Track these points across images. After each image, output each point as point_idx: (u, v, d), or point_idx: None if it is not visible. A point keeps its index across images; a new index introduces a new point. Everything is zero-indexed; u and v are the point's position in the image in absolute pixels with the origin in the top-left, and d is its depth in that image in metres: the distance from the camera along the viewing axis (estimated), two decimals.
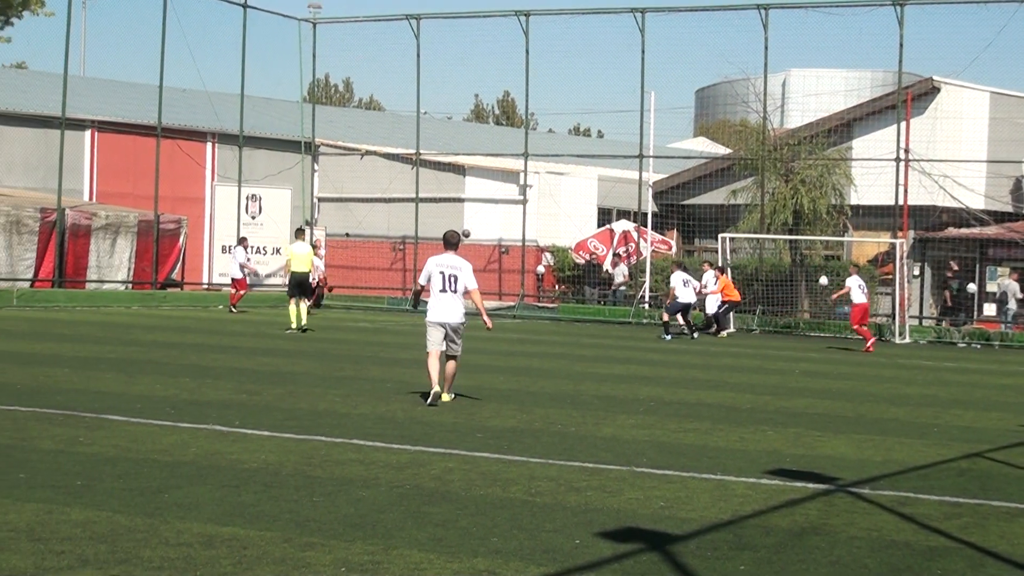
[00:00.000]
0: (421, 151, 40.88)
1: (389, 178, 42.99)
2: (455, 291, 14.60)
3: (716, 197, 40.42)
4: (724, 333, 31.57)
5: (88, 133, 39.17)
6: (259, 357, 19.86)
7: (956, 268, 36.54)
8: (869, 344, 27.60)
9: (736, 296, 32.35)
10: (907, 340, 31.78)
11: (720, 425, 13.43)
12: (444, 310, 14.57)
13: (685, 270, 30.54)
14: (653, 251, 38.49)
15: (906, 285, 33.98)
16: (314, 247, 36.66)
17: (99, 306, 33.57)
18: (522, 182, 40.52)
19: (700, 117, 73.80)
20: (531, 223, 39.99)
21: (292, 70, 63.46)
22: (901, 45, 34.31)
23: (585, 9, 50.59)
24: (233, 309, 34.00)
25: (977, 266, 37.14)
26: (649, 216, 38.61)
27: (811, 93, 52.51)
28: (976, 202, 37.44)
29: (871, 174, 36.40)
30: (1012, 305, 33.92)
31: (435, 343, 14.57)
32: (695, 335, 30.13)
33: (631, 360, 22.32)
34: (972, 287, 35.93)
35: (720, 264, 33.43)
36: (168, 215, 38.22)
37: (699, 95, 76.22)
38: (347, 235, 42.91)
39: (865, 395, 17.46)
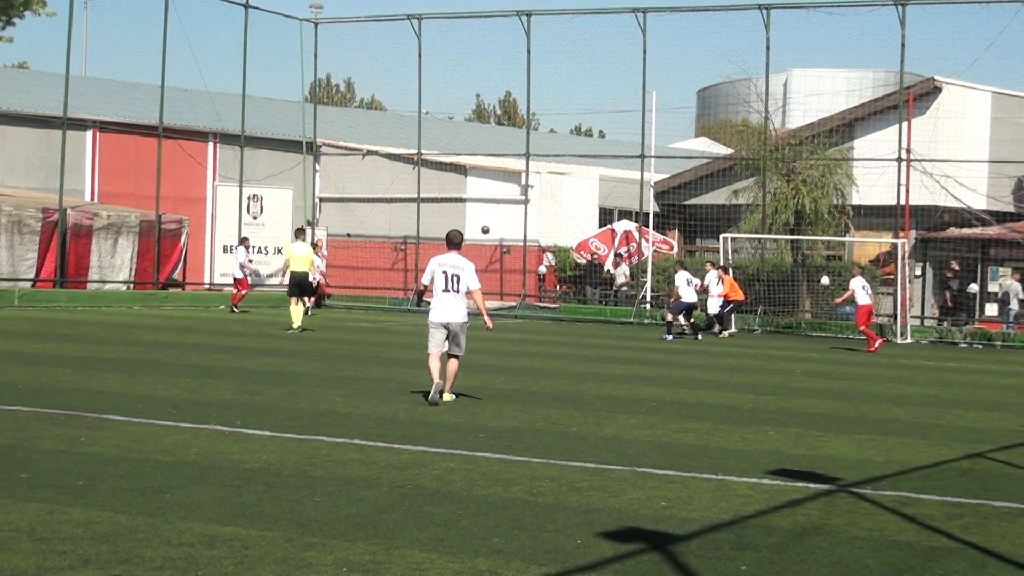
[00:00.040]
0: (423, 151, 40.88)
1: (390, 178, 42.99)
2: (457, 291, 14.61)
3: (718, 197, 40.42)
4: (726, 333, 31.57)
5: (90, 133, 39.18)
6: (261, 357, 19.86)
7: (957, 268, 36.52)
8: (876, 345, 27.50)
9: (741, 295, 32.41)
10: (909, 340, 31.76)
11: (721, 425, 13.43)
12: (446, 310, 14.58)
13: (687, 270, 30.57)
14: (654, 251, 38.48)
15: (908, 285, 33.97)
16: (315, 246, 36.76)
17: (101, 306, 33.57)
18: (524, 182, 40.51)
19: (702, 117, 73.78)
20: (533, 223, 39.99)
21: (293, 70, 63.42)
22: (903, 45, 34.30)
23: (587, 9, 50.71)
24: (235, 309, 34.01)
25: (979, 266, 37.12)
26: (651, 216, 38.60)
27: (813, 93, 52.50)
28: (978, 202, 37.42)
29: (873, 174, 36.39)
30: (1014, 305, 33.90)
31: (436, 344, 14.58)
32: (699, 336, 30.13)
33: (632, 360, 22.32)
34: (974, 287, 35.90)
35: (722, 264, 33.41)
36: (170, 215, 38.24)
37: (701, 95, 76.21)
38: (348, 235, 42.91)
39: (867, 395, 17.45)
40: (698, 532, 8.03)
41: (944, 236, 37.48)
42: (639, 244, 38.46)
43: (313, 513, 8.16)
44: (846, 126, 38.96)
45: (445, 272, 14.64)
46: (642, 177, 38.04)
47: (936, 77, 37.77)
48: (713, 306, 31.58)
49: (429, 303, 14.92)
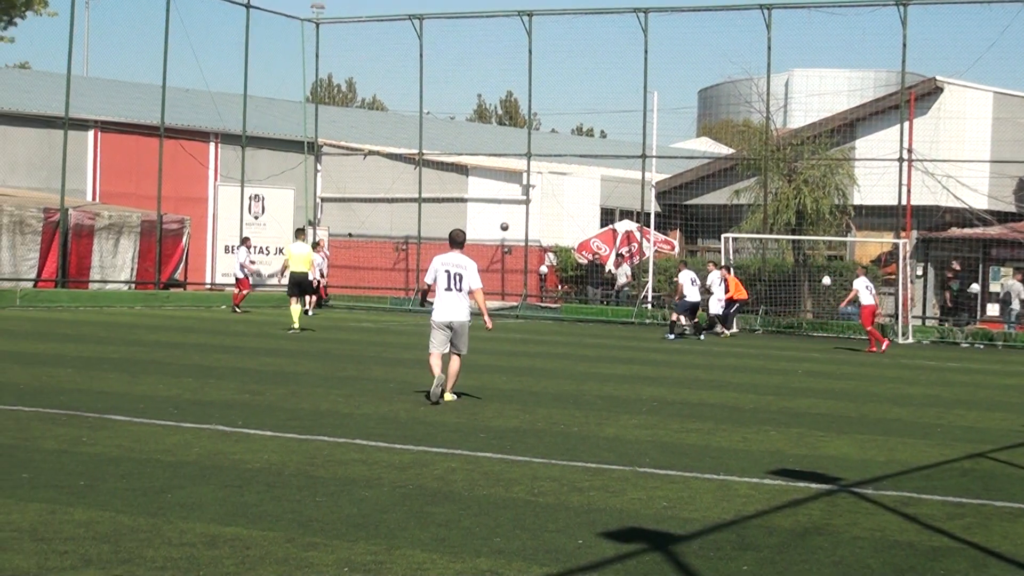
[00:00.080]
0: (424, 151, 40.88)
1: (392, 178, 43.00)
2: (460, 290, 14.64)
3: (719, 197, 40.42)
4: (728, 332, 31.59)
5: (91, 133, 39.19)
6: (262, 357, 19.86)
7: (958, 268, 36.49)
8: (883, 347, 27.40)
9: (744, 295, 32.47)
10: (910, 340, 31.75)
11: (723, 425, 13.42)
12: (449, 309, 14.61)
13: (691, 270, 30.62)
14: (656, 251, 38.47)
15: (909, 285, 33.95)
16: (317, 245, 36.78)
17: (102, 306, 33.58)
18: (525, 182, 40.51)
19: (703, 117, 73.75)
20: (534, 223, 40.00)
21: (295, 70, 63.57)
22: (904, 45, 34.29)
23: (588, 9, 50.66)
24: (237, 309, 34.02)
25: (980, 266, 37.10)
26: (652, 216, 38.60)
27: (814, 93, 52.48)
28: (979, 202, 37.41)
29: (874, 174, 36.38)
30: (1015, 305, 33.88)
31: (438, 344, 14.59)
32: (702, 336, 30.16)
33: (634, 360, 22.32)
34: (975, 287, 35.88)
35: (725, 264, 33.41)
36: (171, 215, 38.25)
37: (702, 95, 76.18)
38: (350, 235, 42.92)
39: (868, 395, 17.45)
40: (699, 532, 8.03)
41: (945, 236, 37.47)
42: (640, 244, 38.45)
43: (314, 513, 8.16)
44: (847, 126, 38.95)
45: (448, 271, 14.66)
46: (643, 177, 38.03)
47: (937, 77, 37.76)
48: (715, 306, 31.57)
49: (432, 303, 14.93)
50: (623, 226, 40.16)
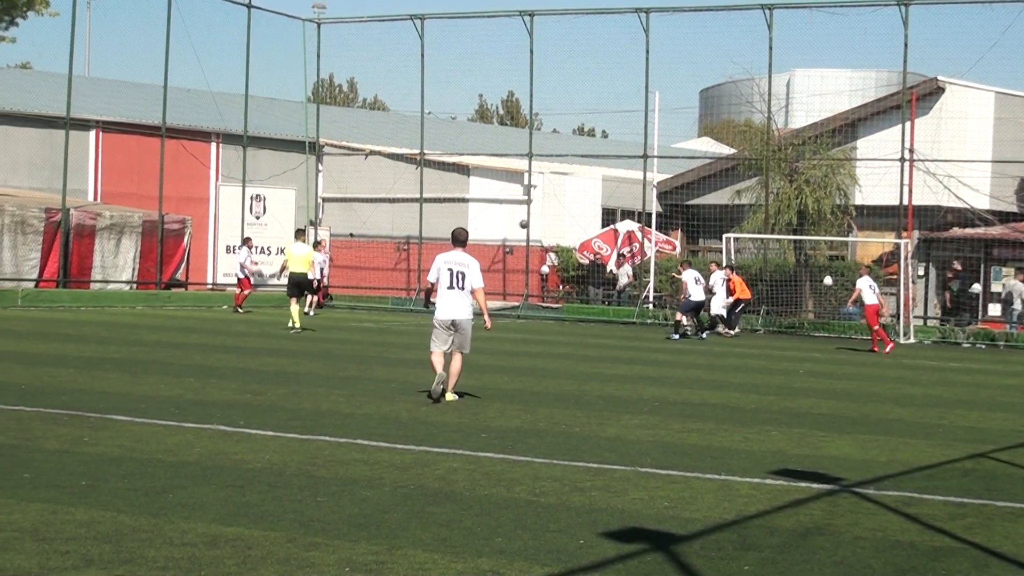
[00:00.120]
0: (425, 151, 40.88)
1: (393, 178, 43.01)
2: (463, 288, 14.65)
3: (720, 197, 40.41)
4: (732, 332, 31.63)
5: (92, 133, 39.20)
6: (263, 357, 19.87)
7: (959, 268, 36.46)
8: (888, 349, 27.31)
9: (748, 294, 32.51)
10: (912, 340, 31.74)
11: (724, 425, 13.42)
12: (452, 307, 14.63)
13: (695, 269, 30.66)
14: (657, 251, 38.46)
15: (911, 285, 33.94)
16: (318, 244, 36.80)
17: (103, 306, 33.59)
18: (526, 182, 40.51)
19: (704, 117, 73.73)
20: (535, 223, 40.01)
21: (296, 70, 63.54)
22: (906, 45, 34.27)
23: (589, 9, 50.64)
24: (239, 309, 34.02)
25: (982, 266, 37.08)
26: (653, 216, 38.59)
27: (815, 93, 52.47)
28: (981, 202, 37.40)
29: (875, 174, 36.37)
30: (1017, 305, 33.86)
31: (440, 343, 14.63)
32: (704, 335, 30.21)
33: (635, 360, 22.32)
34: (977, 287, 35.87)
35: (728, 264, 33.40)
36: (172, 215, 38.26)
37: (703, 95, 76.15)
38: (351, 235, 42.93)
39: (869, 395, 17.44)
40: (701, 532, 8.03)
41: (947, 236, 37.47)
42: (642, 244, 38.45)
43: (316, 513, 8.16)
44: (849, 126, 38.95)
45: (451, 269, 14.68)
46: (645, 177, 38.03)
47: (939, 77, 37.76)
48: (716, 306, 31.56)
49: (435, 303, 14.95)
50: (624, 226, 40.16)
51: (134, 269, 36.97)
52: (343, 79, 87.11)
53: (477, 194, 42.04)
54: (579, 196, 43.31)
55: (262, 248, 39.07)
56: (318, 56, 42.36)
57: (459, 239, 14.97)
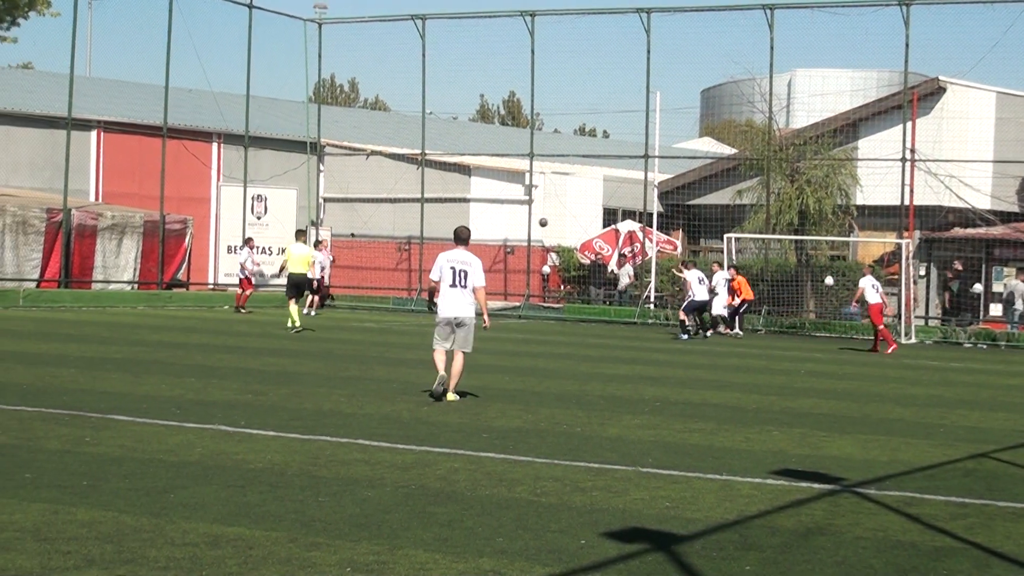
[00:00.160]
0: (426, 151, 40.89)
1: (395, 178, 43.01)
2: (465, 286, 14.68)
3: (722, 197, 40.41)
4: (740, 333, 31.69)
5: (94, 133, 39.21)
6: (264, 357, 19.87)
7: (960, 268, 36.44)
8: (888, 350, 27.25)
9: (751, 295, 32.54)
10: (913, 340, 31.73)
11: (725, 425, 13.42)
12: (454, 305, 14.66)
13: (699, 269, 30.69)
14: (658, 251, 38.46)
15: (912, 285, 33.93)
16: (319, 244, 36.81)
17: (105, 306, 33.60)
18: (527, 182, 40.51)
19: (706, 117, 73.73)
20: (536, 223, 39.99)
21: (298, 70, 63.49)
22: (907, 45, 34.27)
23: (590, 9, 50.55)
24: (241, 310, 34.01)
25: (983, 266, 37.07)
26: (654, 216, 38.59)
27: (817, 93, 52.47)
28: (982, 202, 37.39)
29: (877, 174, 36.36)
30: (1019, 305, 33.85)
31: (443, 341, 14.68)
32: (707, 335, 30.26)
33: (636, 360, 22.32)
34: (978, 287, 35.85)
35: (733, 264, 33.37)
36: (174, 215, 38.27)
37: (705, 95, 76.15)
38: (352, 235, 42.93)
39: (871, 395, 17.44)
40: (702, 532, 8.03)
41: (948, 236, 37.46)
42: (643, 244, 38.45)
43: (317, 513, 8.16)
44: (850, 126, 38.94)
45: (453, 268, 14.69)
46: (646, 177, 38.03)
47: (940, 77, 37.74)
48: (718, 306, 31.56)
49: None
50: (626, 226, 40.16)
51: (135, 269, 36.98)
52: (344, 79, 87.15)
53: (478, 194, 42.04)
54: (580, 196, 43.31)
55: (263, 248, 39.07)
56: (319, 56, 42.41)
57: (461, 237, 14.98)
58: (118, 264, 36.53)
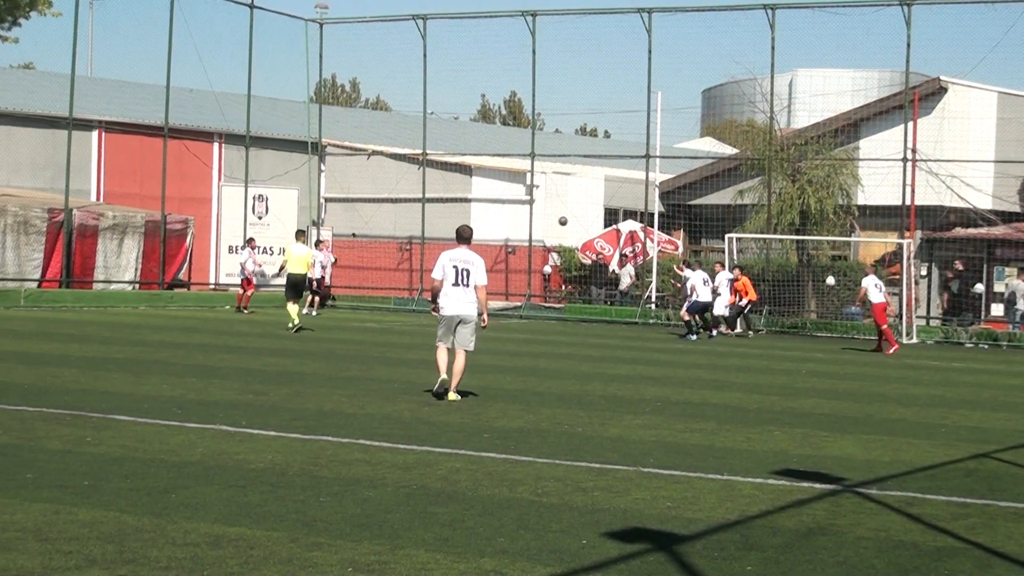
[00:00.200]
0: (428, 151, 40.90)
1: (396, 178, 43.01)
2: (467, 285, 14.70)
3: (723, 197, 40.40)
4: (747, 332, 31.72)
5: (95, 133, 39.23)
6: (266, 357, 19.88)
7: (961, 269, 36.43)
8: (890, 350, 27.23)
9: (754, 295, 32.56)
10: (914, 340, 31.73)
11: (727, 425, 13.42)
12: (456, 304, 14.68)
13: (704, 270, 30.72)
14: (659, 251, 38.46)
15: (913, 285, 33.93)
16: (319, 243, 36.81)
17: (106, 306, 33.62)
18: (529, 182, 40.50)
19: (707, 117, 73.71)
20: (538, 223, 40.00)
21: (299, 70, 63.49)
22: (908, 45, 34.27)
23: (592, 9, 50.49)
24: (244, 310, 34.00)
25: (985, 266, 37.07)
26: (656, 216, 38.59)
27: (818, 93, 52.44)
28: (983, 202, 37.38)
29: (878, 174, 36.36)
30: (1020, 305, 33.83)
31: (445, 340, 14.70)
32: (713, 335, 30.28)
33: (637, 360, 22.32)
34: (979, 287, 35.84)
35: (738, 264, 33.35)
36: (175, 215, 38.28)
37: (706, 95, 76.13)
38: (354, 235, 42.94)
39: (872, 395, 17.43)
40: (703, 532, 8.03)
41: (950, 236, 37.45)
42: (644, 244, 38.45)
43: (318, 513, 8.16)
44: (851, 126, 38.93)
45: (456, 267, 14.71)
46: (647, 177, 38.03)
47: (941, 77, 37.73)
48: (720, 307, 31.56)
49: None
50: (627, 226, 40.16)
51: (137, 269, 37.01)
52: (346, 79, 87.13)
53: (479, 194, 42.04)
54: (581, 196, 43.30)
55: (264, 248, 39.09)
56: (320, 56, 42.44)
57: (464, 236, 15.01)
58: (119, 264, 36.55)
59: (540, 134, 48.25)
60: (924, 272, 37.45)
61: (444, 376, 14.56)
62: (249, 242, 36.44)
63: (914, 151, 35.24)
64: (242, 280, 35.07)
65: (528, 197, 40.33)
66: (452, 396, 14.58)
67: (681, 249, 40.84)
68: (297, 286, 27.35)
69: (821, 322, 34.76)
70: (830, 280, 35.51)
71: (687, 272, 31.13)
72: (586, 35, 70.17)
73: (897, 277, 34.55)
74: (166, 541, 7.26)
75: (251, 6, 40.51)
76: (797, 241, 36.54)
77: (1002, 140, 37.81)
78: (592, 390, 16.63)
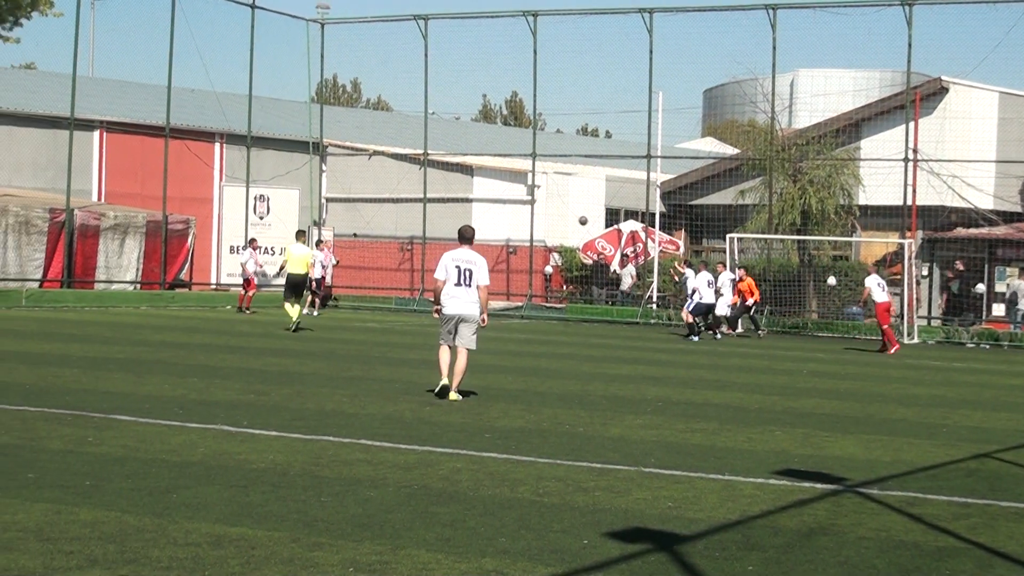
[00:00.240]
0: (429, 151, 40.91)
1: (397, 178, 43.02)
2: (469, 285, 14.71)
3: (724, 197, 40.40)
4: (759, 332, 31.76)
5: (97, 133, 39.25)
6: (267, 357, 19.88)
7: (962, 269, 36.42)
8: (891, 350, 27.23)
9: (757, 296, 32.58)
10: (916, 340, 31.73)
11: (728, 425, 13.42)
12: (458, 303, 14.70)
13: (708, 271, 30.72)
14: (661, 251, 38.46)
15: (914, 286, 33.93)
16: (320, 243, 36.82)
17: (108, 306, 33.63)
18: (530, 182, 40.50)
19: (708, 117, 73.73)
20: (539, 223, 40.00)
21: (300, 70, 63.60)
22: (910, 45, 34.27)
23: (593, 9, 50.50)
24: (246, 310, 34.00)
25: (986, 266, 37.06)
26: (657, 216, 38.59)
27: (819, 93, 52.42)
28: (985, 202, 37.37)
29: (879, 174, 36.35)
30: (1021, 305, 33.83)
31: (447, 337, 14.73)
32: (717, 335, 30.29)
33: (639, 360, 22.32)
34: (981, 287, 35.84)
35: (739, 265, 33.35)
36: (176, 215, 38.29)
37: (707, 95, 76.14)
38: (355, 235, 42.95)
39: (873, 395, 17.43)
40: (705, 532, 8.03)
41: (951, 236, 37.44)
42: (645, 244, 38.45)
43: (319, 513, 8.16)
44: (853, 126, 38.92)
45: (458, 267, 14.72)
46: (648, 177, 38.03)
47: (943, 77, 37.73)
48: (722, 307, 31.54)
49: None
50: (628, 226, 40.16)
51: (138, 269, 37.02)
52: (347, 79, 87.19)
53: (481, 194, 42.04)
54: (583, 196, 43.29)
55: (266, 248, 39.09)
56: (322, 56, 42.45)
57: (466, 236, 15.02)
58: (121, 264, 36.56)
59: (541, 134, 48.27)
60: (925, 272, 37.44)
61: (445, 381, 14.59)
62: (251, 242, 36.44)
63: (915, 151, 35.23)
64: (246, 280, 35.07)
65: (529, 197, 40.33)
66: (453, 396, 14.59)
67: (682, 249, 40.84)
68: (297, 286, 27.32)
69: (822, 322, 34.76)
70: (831, 280, 35.50)
71: (688, 272, 31.11)
72: (587, 35, 70.25)
73: (898, 277, 34.55)
74: (167, 541, 7.26)
75: (252, 6, 40.53)
76: (798, 241, 36.54)
77: (1003, 140, 37.81)
78: (593, 390, 16.63)
